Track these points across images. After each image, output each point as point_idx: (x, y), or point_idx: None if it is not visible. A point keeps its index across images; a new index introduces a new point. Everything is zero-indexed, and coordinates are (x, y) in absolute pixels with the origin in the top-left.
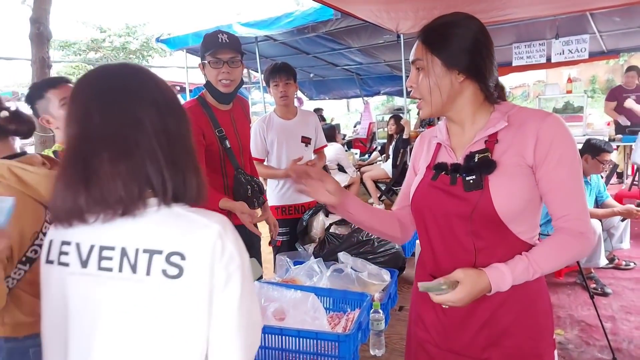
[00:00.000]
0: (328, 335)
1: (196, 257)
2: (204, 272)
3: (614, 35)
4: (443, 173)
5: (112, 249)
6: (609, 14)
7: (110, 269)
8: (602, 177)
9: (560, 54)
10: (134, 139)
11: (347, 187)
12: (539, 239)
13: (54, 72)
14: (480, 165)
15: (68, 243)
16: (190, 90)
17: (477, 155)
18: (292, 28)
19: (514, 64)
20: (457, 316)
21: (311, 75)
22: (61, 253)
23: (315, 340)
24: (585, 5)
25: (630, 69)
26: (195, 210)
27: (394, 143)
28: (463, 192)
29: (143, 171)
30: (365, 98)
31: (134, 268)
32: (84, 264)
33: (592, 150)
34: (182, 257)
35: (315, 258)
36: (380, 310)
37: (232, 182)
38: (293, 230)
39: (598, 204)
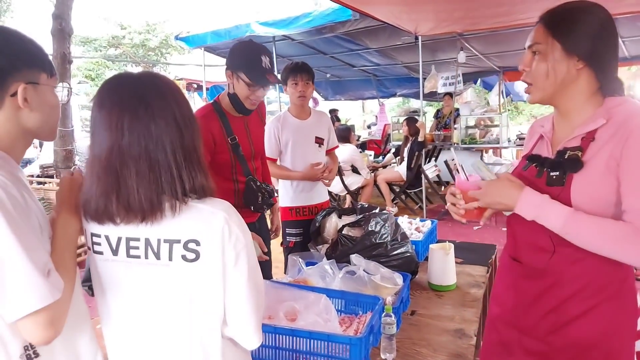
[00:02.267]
0: (340, 338)
1: (209, 242)
2: (217, 254)
3: (638, 41)
4: (533, 165)
5: (138, 239)
6: (633, 19)
7: (138, 257)
8: None
9: None
10: (155, 158)
11: (361, 188)
12: None
13: (74, 68)
14: (566, 162)
15: (98, 235)
16: (207, 89)
17: (568, 151)
18: (310, 28)
19: None
20: (528, 297)
21: (328, 75)
22: (94, 243)
23: (326, 343)
24: (610, 10)
25: None
26: (202, 201)
27: (409, 145)
28: (545, 186)
29: (161, 182)
30: (381, 99)
31: (157, 255)
32: (115, 252)
33: None
34: (197, 243)
35: (328, 259)
36: (392, 314)
37: (243, 187)
38: (306, 231)
39: None
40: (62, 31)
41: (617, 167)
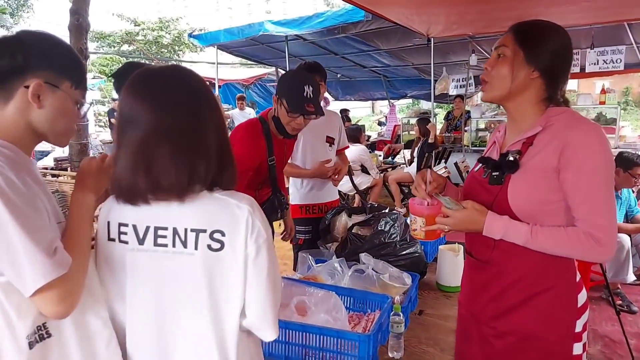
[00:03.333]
0: (349, 335)
1: (233, 233)
2: (240, 245)
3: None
4: (482, 166)
5: (165, 229)
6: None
7: (165, 245)
8: (633, 192)
9: (595, 64)
10: (197, 135)
11: (370, 188)
12: None
13: (88, 63)
14: (505, 164)
15: (125, 225)
16: (219, 87)
17: (510, 154)
18: (322, 28)
19: None
20: (477, 286)
21: (338, 75)
22: (120, 233)
23: (336, 339)
24: (623, 16)
25: None
26: (228, 193)
27: (419, 146)
28: (488, 184)
29: (195, 164)
30: (391, 100)
31: (184, 244)
32: (141, 241)
33: (624, 163)
34: (222, 234)
35: (337, 257)
36: (400, 313)
37: (264, 199)
38: (315, 229)
39: (628, 218)
40: (79, 27)
41: (554, 172)
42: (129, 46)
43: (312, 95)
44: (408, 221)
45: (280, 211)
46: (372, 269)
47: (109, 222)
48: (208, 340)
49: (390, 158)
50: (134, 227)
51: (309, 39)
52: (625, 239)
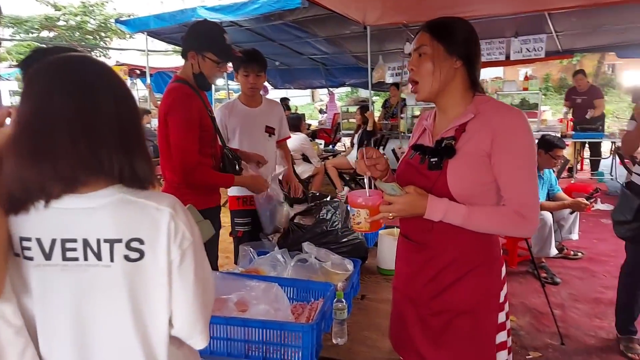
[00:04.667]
0: (292, 326)
1: (154, 240)
2: (162, 252)
3: (570, 35)
4: (417, 153)
5: (74, 241)
6: (567, 15)
7: (76, 259)
8: (554, 172)
9: (519, 52)
10: (93, 124)
11: (311, 177)
12: None
13: (3, 51)
14: (442, 150)
15: (28, 239)
16: (151, 75)
17: (445, 141)
18: (258, 15)
19: None
20: (415, 268)
21: (277, 63)
22: (23, 248)
23: (279, 331)
24: (545, 5)
25: (577, 72)
26: (146, 195)
27: (359, 134)
28: (427, 170)
29: (95, 153)
30: (331, 89)
31: (98, 256)
32: (48, 256)
33: (546, 145)
34: (141, 242)
35: (280, 248)
36: (343, 300)
37: (219, 161)
38: (254, 220)
39: (550, 197)
40: None
41: (486, 156)
42: (49, 32)
43: (230, 41)
44: (351, 215)
45: (237, 163)
46: (315, 258)
47: (10, 236)
48: (136, 357)
49: (330, 146)
50: (38, 241)
51: (245, 26)
52: (548, 216)
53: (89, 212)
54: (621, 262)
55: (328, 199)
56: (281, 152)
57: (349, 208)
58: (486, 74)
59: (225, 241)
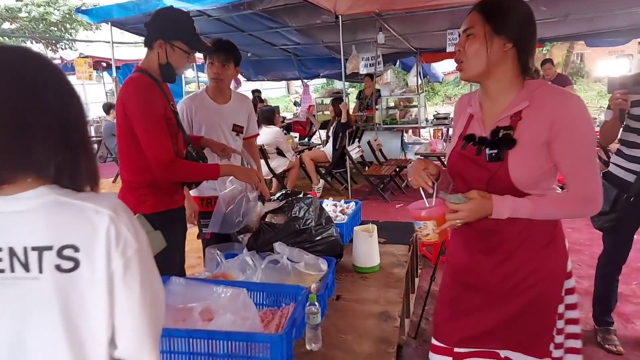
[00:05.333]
0: (259, 337)
1: (91, 247)
2: (101, 261)
3: (540, 24)
4: (471, 144)
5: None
6: (536, 3)
7: (2, 271)
8: None
9: None
10: (26, 116)
11: (286, 171)
12: None
13: None
14: (502, 141)
15: None
16: (118, 67)
17: (501, 130)
18: (226, 4)
19: (447, 50)
20: (477, 254)
21: (249, 54)
22: None
23: (245, 343)
24: None
25: (545, 62)
26: (83, 197)
27: (333, 126)
28: (485, 162)
29: (27, 148)
30: (305, 80)
31: (26, 267)
32: None
33: None
34: (76, 249)
35: (250, 249)
36: (316, 303)
37: (183, 151)
38: None
39: None
40: None
41: (544, 144)
42: (10, 24)
43: (199, 30)
44: (416, 228)
45: (202, 161)
46: (287, 259)
47: None
48: None
49: (306, 139)
50: None
51: (214, 16)
52: None
53: (15, 216)
54: (596, 251)
55: (301, 195)
56: (248, 150)
57: (413, 222)
58: (452, 65)
59: (198, 240)
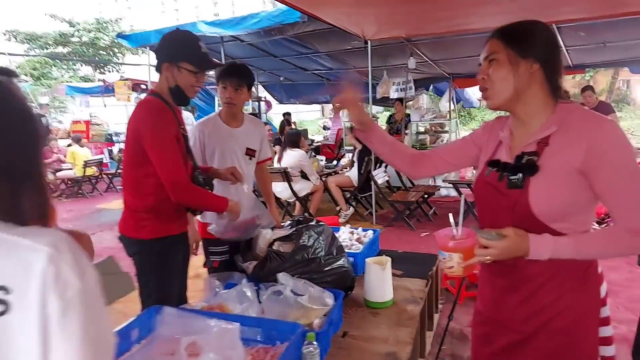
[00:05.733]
0: None
1: (23, 288)
2: (34, 304)
3: (580, 50)
4: (494, 170)
5: None
6: (575, 29)
7: None
8: None
9: None
10: None
11: (310, 194)
12: None
13: (14, 66)
14: (523, 166)
15: None
16: None
17: (526, 156)
18: (258, 29)
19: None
20: (502, 291)
21: (281, 78)
22: None
23: None
24: (548, 17)
25: (585, 89)
26: (21, 232)
27: (359, 150)
28: (506, 189)
29: None
30: None
31: None
32: None
33: None
34: (6, 291)
35: (256, 278)
36: (314, 342)
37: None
38: (232, 249)
39: None
40: None
41: (577, 173)
42: (63, 48)
43: (206, 49)
44: (440, 258)
45: (209, 188)
46: (291, 290)
47: None
48: None
49: (334, 162)
50: None
51: (247, 41)
52: None
53: None
54: (635, 293)
55: (312, 223)
56: (260, 174)
57: (439, 252)
58: None
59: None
